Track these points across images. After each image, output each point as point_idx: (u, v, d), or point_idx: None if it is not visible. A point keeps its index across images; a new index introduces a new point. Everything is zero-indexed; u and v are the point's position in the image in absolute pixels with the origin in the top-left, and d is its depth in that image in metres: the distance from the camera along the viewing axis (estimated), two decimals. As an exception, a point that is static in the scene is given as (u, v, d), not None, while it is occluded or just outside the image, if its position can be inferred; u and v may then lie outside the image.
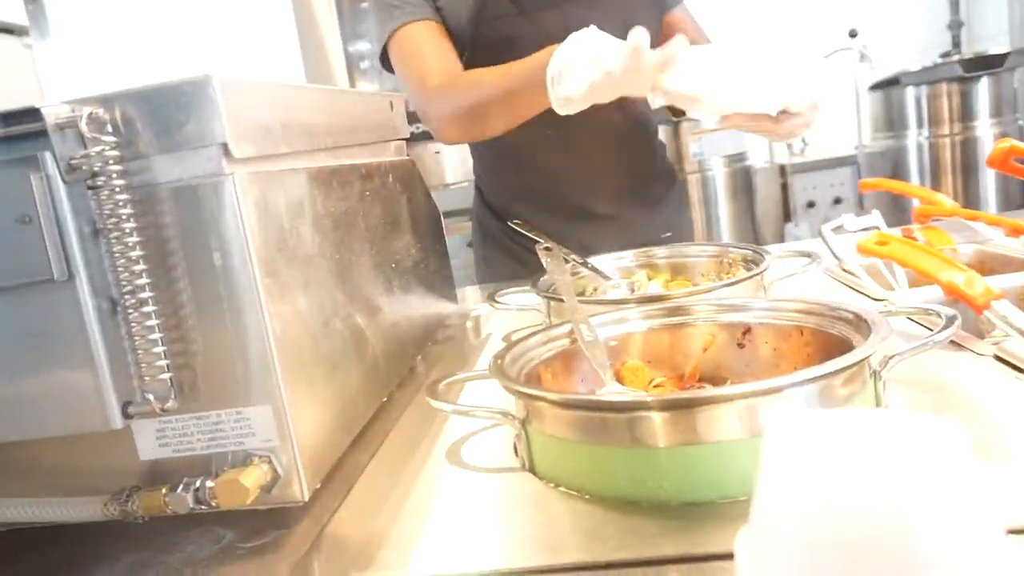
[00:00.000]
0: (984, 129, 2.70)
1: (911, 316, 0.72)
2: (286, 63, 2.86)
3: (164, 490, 0.49)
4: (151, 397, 0.48)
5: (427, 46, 1.11)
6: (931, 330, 0.55)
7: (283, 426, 0.50)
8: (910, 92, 2.80)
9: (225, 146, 0.47)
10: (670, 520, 0.46)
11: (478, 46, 1.13)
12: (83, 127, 0.45)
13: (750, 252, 0.91)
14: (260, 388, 0.50)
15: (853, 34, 2.98)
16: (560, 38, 0.94)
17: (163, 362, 0.48)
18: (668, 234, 1.27)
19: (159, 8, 3.25)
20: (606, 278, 0.97)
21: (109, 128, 0.46)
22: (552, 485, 0.52)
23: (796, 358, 0.61)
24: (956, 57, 2.77)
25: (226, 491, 0.48)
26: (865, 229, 1.05)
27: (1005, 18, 3.24)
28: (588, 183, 1.22)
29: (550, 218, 1.19)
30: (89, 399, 0.47)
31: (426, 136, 1.81)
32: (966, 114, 2.71)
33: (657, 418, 0.48)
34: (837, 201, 2.98)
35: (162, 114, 0.46)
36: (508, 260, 1.26)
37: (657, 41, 0.83)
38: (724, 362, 0.67)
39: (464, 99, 1.03)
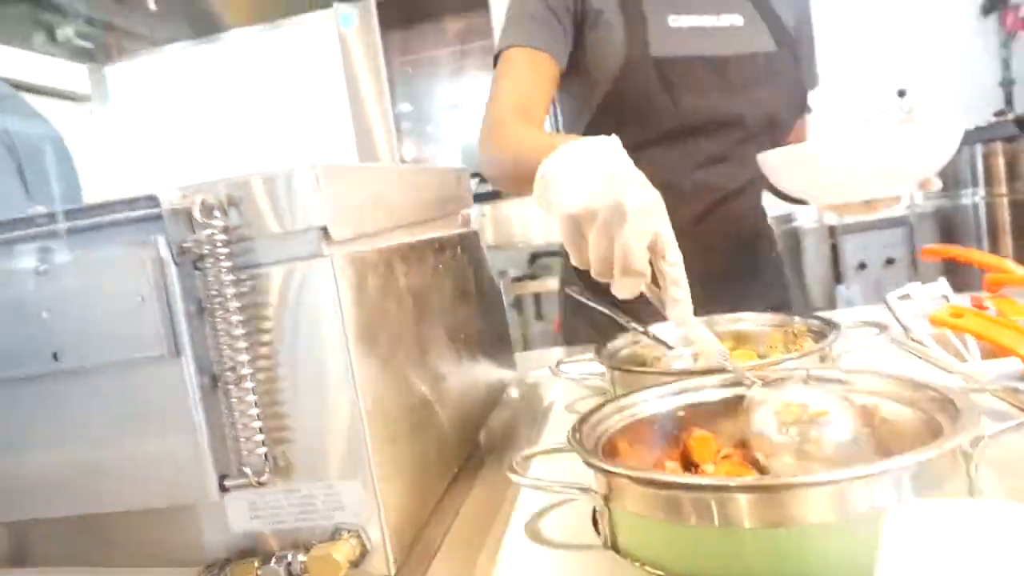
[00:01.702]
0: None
1: (995, 393, 0.71)
2: (337, 124, 2.98)
3: (256, 563, 0.51)
4: (248, 471, 0.49)
5: (518, 78, 1.06)
6: (1015, 406, 0.54)
7: (372, 500, 0.51)
8: (964, 151, 2.78)
9: (325, 229, 0.49)
10: (763, 607, 0.45)
11: (614, 102, 1.11)
12: (196, 213, 0.48)
13: (816, 322, 0.90)
14: (351, 463, 0.51)
15: (902, 93, 2.98)
16: (701, 124, 0.95)
17: (260, 436, 0.50)
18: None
19: (213, 74, 3.41)
20: (668, 347, 0.97)
21: (217, 213, 0.49)
22: (636, 564, 0.52)
23: (873, 437, 0.60)
24: (1011, 115, 2.74)
25: (318, 566, 0.49)
26: (933, 298, 1.04)
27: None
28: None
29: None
30: (189, 472, 0.49)
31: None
32: (1022, 173, 2.67)
33: (744, 499, 0.47)
34: (889, 262, 2.93)
35: (267, 199, 0.49)
36: (589, 329, 1.26)
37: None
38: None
39: (495, 151, 0.97)
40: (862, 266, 2.95)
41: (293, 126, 3.14)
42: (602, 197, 0.62)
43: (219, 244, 0.48)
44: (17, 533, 0.54)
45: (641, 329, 0.98)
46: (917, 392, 0.58)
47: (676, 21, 1.10)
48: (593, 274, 0.66)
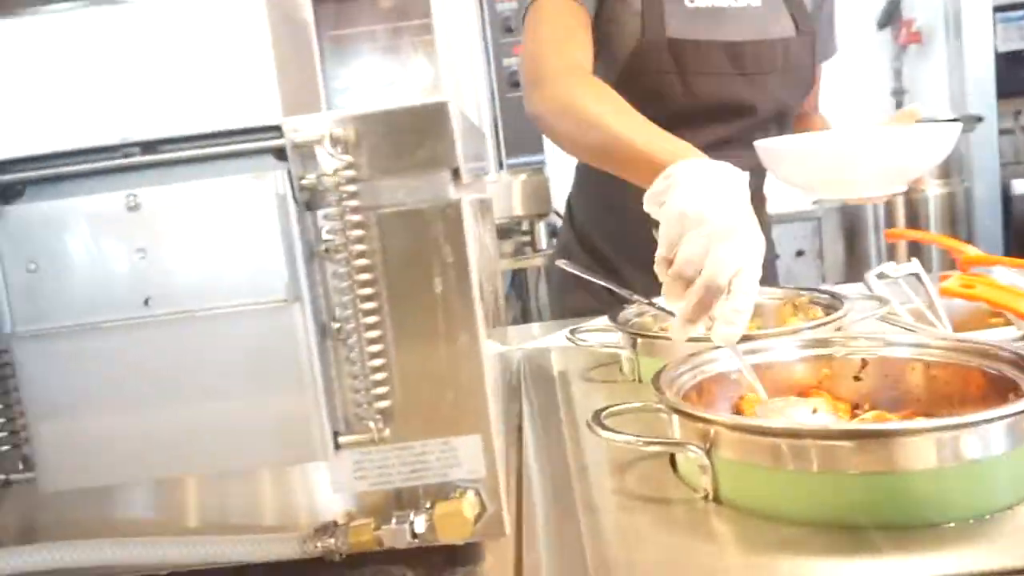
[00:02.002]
0: (932, 189, 2.89)
1: None
2: (261, 97, 2.84)
3: (373, 524, 0.47)
4: (372, 425, 0.46)
5: (562, 28, 1.05)
6: None
7: (490, 456, 0.49)
8: (865, 153, 2.98)
9: (456, 171, 0.47)
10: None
11: (628, 79, 1.10)
12: (327, 146, 0.44)
13: (823, 296, 0.94)
14: (471, 417, 0.49)
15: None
16: (711, 108, 0.96)
17: (381, 390, 0.47)
18: None
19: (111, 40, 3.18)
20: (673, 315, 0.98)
21: (341, 149, 0.45)
22: (743, 512, 0.53)
23: (946, 393, 0.63)
24: (910, 121, 2.96)
25: (447, 524, 0.46)
26: (905, 275, 1.10)
27: (940, 87, 3.50)
28: None
29: (633, 268, 1.20)
30: (302, 429, 0.46)
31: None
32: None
33: (854, 445, 0.49)
34: (799, 253, 3.11)
35: (396, 136, 0.46)
36: (584, 294, 1.26)
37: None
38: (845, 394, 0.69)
39: (569, 125, 0.97)
40: (776, 257, 3.12)
41: (209, 97, 2.97)
42: (721, 213, 0.65)
43: (344, 182, 0.45)
44: (96, 497, 0.48)
45: (646, 301, 0.99)
46: (986, 351, 0.61)
47: (694, 2, 1.10)
48: (669, 272, 0.68)
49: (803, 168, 1.01)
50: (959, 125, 0.94)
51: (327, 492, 0.49)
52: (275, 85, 2.52)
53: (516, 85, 2.63)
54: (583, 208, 1.33)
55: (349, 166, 0.45)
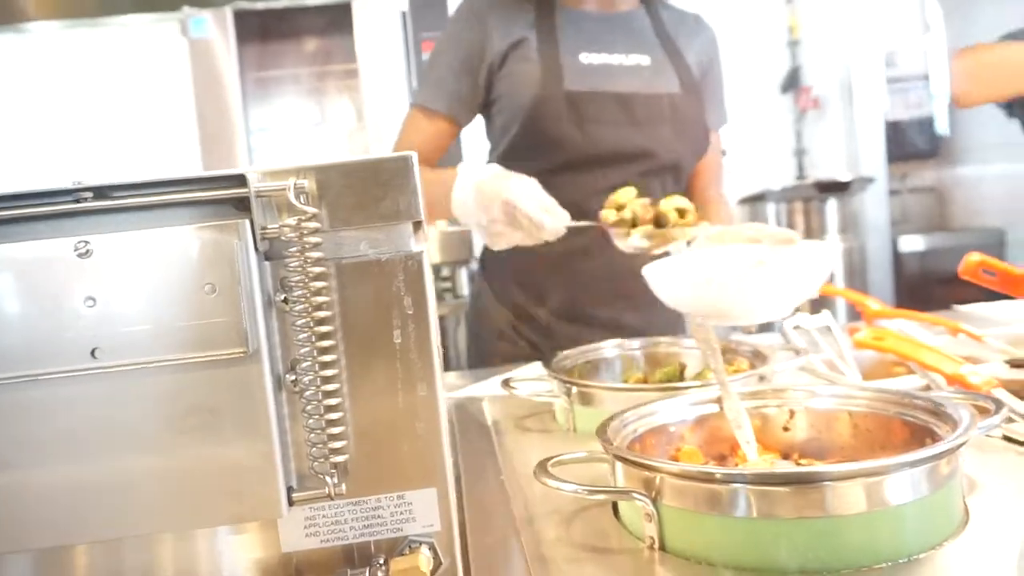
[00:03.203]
0: (834, 243, 3.08)
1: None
2: (177, 134, 2.77)
3: (326, 583, 0.46)
4: (328, 480, 0.45)
5: (417, 135, 1.22)
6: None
7: (446, 509, 0.49)
8: (771, 208, 3.16)
9: (419, 223, 0.47)
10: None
11: (529, 127, 1.20)
12: (291, 197, 0.44)
13: (744, 346, 0.98)
14: (426, 470, 0.48)
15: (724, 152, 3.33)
16: (608, 154, 1.01)
17: (338, 444, 0.46)
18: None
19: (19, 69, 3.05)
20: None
21: (304, 200, 0.45)
22: (691, 561, 0.54)
23: (869, 440, 0.67)
24: (810, 180, 3.17)
25: (404, 580, 0.46)
26: (818, 327, 1.17)
27: (837, 149, 3.75)
28: (590, 287, 1.27)
29: (548, 314, 1.24)
30: (260, 484, 0.44)
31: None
32: (819, 229, 3.08)
33: (790, 491, 0.52)
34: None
35: (360, 188, 0.46)
36: (505, 344, 1.27)
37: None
38: (774, 445, 0.72)
39: None
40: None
41: (121, 134, 2.86)
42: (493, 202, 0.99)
43: (306, 232, 0.45)
44: (29, 561, 0.45)
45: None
46: (903, 401, 0.65)
47: (588, 59, 1.20)
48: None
49: (688, 299, 1.04)
50: (838, 245, 1.00)
51: (268, 551, 0.48)
52: (194, 123, 2.46)
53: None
54: (495, 259, 1.36)
55: (312, 217, 0.45)
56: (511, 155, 1.23)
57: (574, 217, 1.04)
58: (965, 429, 0.56)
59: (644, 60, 1.24)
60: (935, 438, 0.59)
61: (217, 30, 2.50)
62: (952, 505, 0.56)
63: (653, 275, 1.03)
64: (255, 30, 2.59)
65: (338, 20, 2.57)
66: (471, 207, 1.02)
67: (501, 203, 0.98)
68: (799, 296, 0.98)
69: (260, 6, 2.57)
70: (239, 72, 2.51)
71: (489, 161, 1.30)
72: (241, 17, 2.54)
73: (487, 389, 1.09)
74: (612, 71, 1.22)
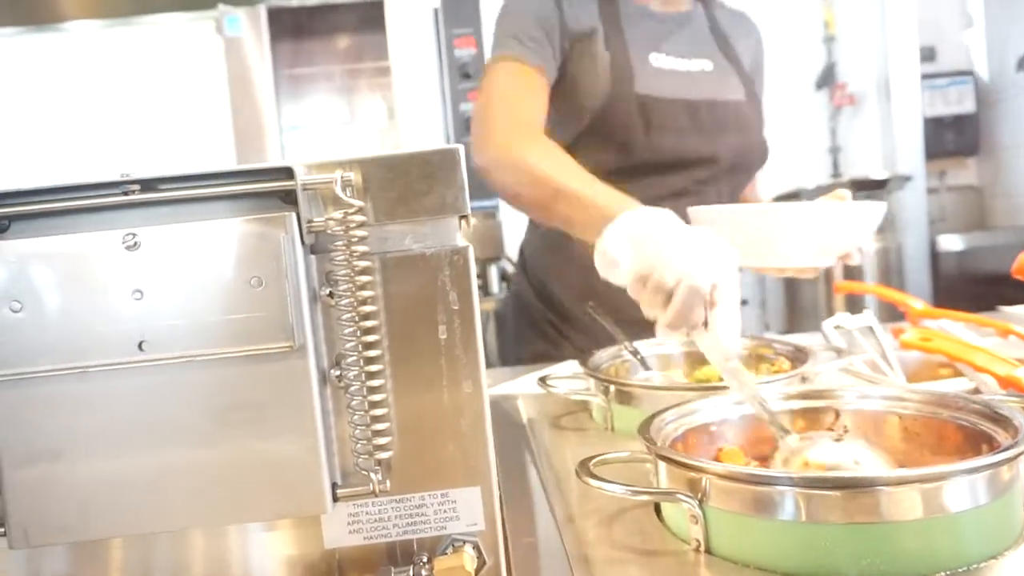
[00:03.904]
0: (868, 243, 3.02)
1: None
2: (213, 132, 2.80)
3: (371, 580, 0.46)
4: (372, 476, 0.45)
5: (516, 92, 1.08)
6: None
7: (490, 508, 0.48)
8: (805, 206, 3.10)
9: (465, 217, 0.47)
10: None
11: (594, 131, 1.15)
12: (337, 190, 0.43)
13: (786, 347, 0.96)
14: (471, 468, 0.48)
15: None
16: (671, 160, 1.00)
17: (383, 440, 0.45)
18: None
19: (55, 68, 3.10)
20: (646, 367, 0.99)
21: (350, 193, 0.45)
22: (738, 565, 0.53)
23: (918, 445, 0.65)
24: (847, 178, 3.11)
25: (448, 580, 0.45)
26: (859, 327, 1.14)
27: (873, 147, 3.69)
28: None
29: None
30: (305, 479, 0.44)
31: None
32: (854, 228, 3.02)
33: (841, 495, 0.50)
34: (743, 303, 3.20)
35: (406, 181, 0.46)
36: (540, 341, 1.27)
37: None
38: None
39: (518, 185, 1.01)
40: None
41: (157, 130, 2.90)
42: (688, 232, 0.73)
43: (353, 226, 0.44)
44: (70, 554, 0.45)
45: (630, 347, 1.00)
46: (956, 404, 0.63)
47: (657, 61, 1.17)
48: (648, 284, 0.70)
49: (729, 237, 1.04)
50: (883, 205, 0.99)
51: (311, 547, 0.47)
52: (229, 120, 2.48)
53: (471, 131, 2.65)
54: (537, 256, 1.34)
55: (358, 211, 0.44)
56: (577, 151, 1.20)
57: None
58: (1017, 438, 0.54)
59: (707, 65, 1.22)
60: (992, 443, 0.57)
61: (251, 28, 2.52)
62: (1013, 514, 0.54)
63: (695, 212, 1.03)
64: (288, 27, 2.61)
65: (371, 17, 2.58)
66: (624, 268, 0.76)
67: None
68: (841, 244, 0.98)
69: (294, 3, 2.59)
70: (272, 69, 2.53)
71: None
72: (275, 15, 2.56)
73: (522, 387, 1.09)
74: (679, 76, 1.19)
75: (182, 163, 2.76)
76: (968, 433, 0.61)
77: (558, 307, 1.29)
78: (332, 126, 2.79)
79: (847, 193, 1.05)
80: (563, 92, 1.15)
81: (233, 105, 2.54)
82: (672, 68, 1.18)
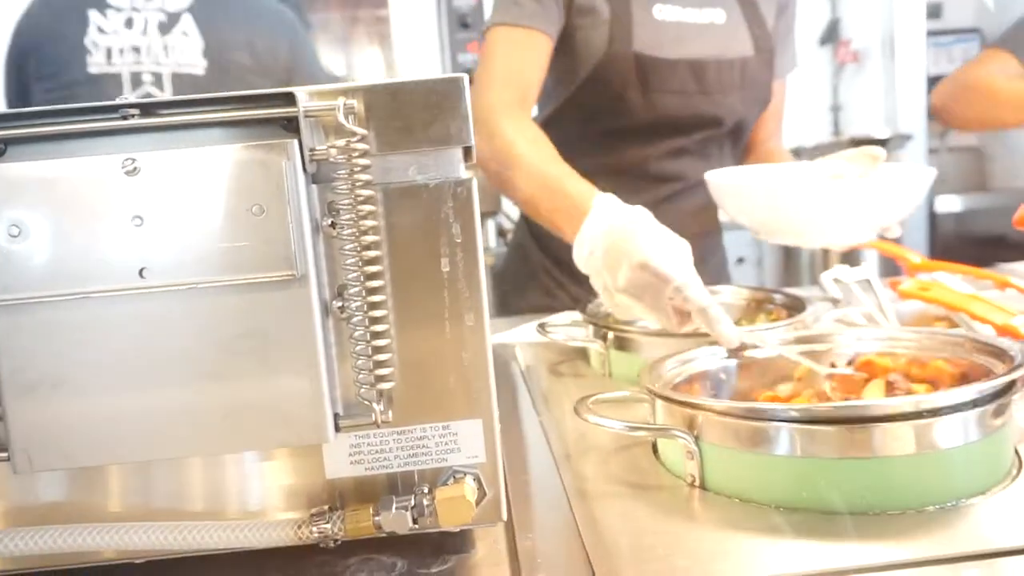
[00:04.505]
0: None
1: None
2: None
3: (372, 509, 0.46)
4: (375, 408, 0.45)
5: (510, 57, 1.06)
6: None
7: (491, 441, 0.48)
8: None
9: (468, 149, 0.46)
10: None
11: (589, 89, 1.12)
12: (340, 117, 0.43)
13: (784, 297, 0.97)
14: (472, 401, 0.48)
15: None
16: (670, 121, 1.00)
17: (384, 371, 0.45)
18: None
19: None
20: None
21: (352, 121, 0.44)
22: (732, 499, 0.54)
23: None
24: (847, 137, 3.08)
25: (449, 509, 0.46)
26: (858, 279, 1.15)
27: (875, 105, 3.65)
28: None
29: None
30: (307, 409, 0.44)
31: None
32: (853, 187, 3.01)
33: (834, 431, 0.51)
34: (740, 260, 3.20)
35: (409, 110, 0.45)
36: (538, 292, 1.26)
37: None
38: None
39: (501, 168, 0.99)
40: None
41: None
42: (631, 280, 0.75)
43: (356, 154, 0.43)
44: (74, 479, 0.46)
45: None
46: (957, 342, 0.64)
47: (661, 12, 1.11)
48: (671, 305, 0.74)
49: (756, 208, 0.97)
50: (932, 171, 0.91)
51: (313, 477, 0.48)
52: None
53: (470, 81, 2.61)
54: None
55: (361, 139, 0.44)
56: (566, 111, 1.16)
57: (625, 182, 0.98)
58: (1017, 367, 0.54)
59: (719, 16, 1.15)
60: (989, 376, 0.58)
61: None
62: (1003, 452, 0.55)
63: (718, 182, 0.98)
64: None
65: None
66: (597, 265, 0.80)
67: (634, 268, 0.74)
68: (881, 218, 0.91)
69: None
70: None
71: (539, 115, 1.21)
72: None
73: (520, 336, 1.09)
74: (685, 30, 1.13)
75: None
76: (966, 368, 0.62)
77: (559, 258, 1.29)
78: (331, 77, 2.75)
79: (881, 152, 0.96)
80: (562, 48, 1.11)
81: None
82: (678, 20, 1.12)
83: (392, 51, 2.58)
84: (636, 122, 1.14)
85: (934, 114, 1.72)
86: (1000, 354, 0.58)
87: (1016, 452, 0.57)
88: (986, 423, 0.53)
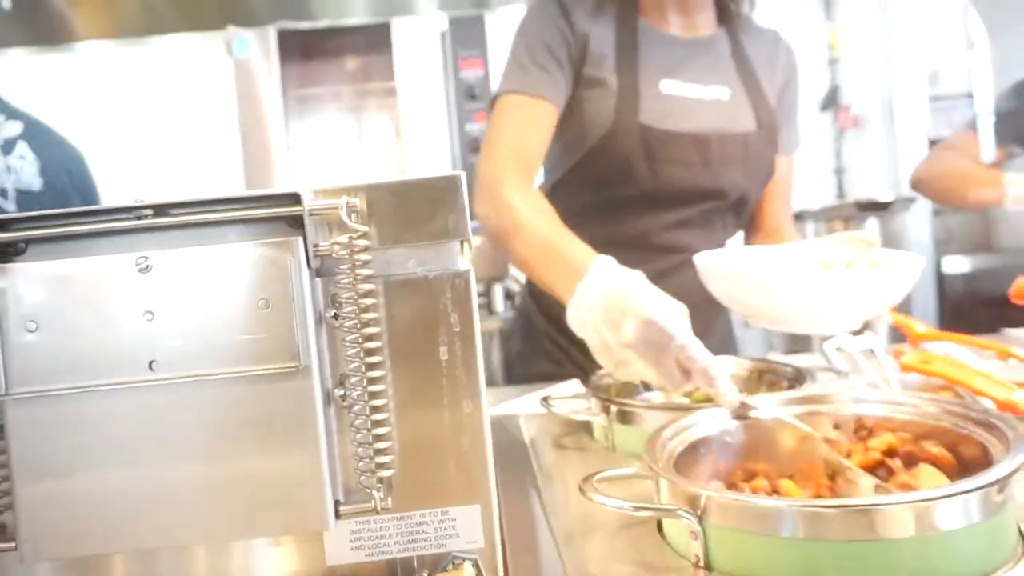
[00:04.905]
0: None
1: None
2: (221, 152, 2.83)
3: (372, 596, 0.47)
4: (374, 494, 0.46)
5: (517, 126, 1.09)
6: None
7: (490, 526, 0.49)
8: (809, 228, 3.11)
9: (466, 242, 0.48)
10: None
11: (595, 159, 1.14)
12: (343, 215, 0.45)
13: (788, 368, 0.97)
14: (471, 486, 0.49)
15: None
16: (674, 192, 1.03)
17: (385, 458, 0.46)
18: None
19: (70, 86, 3.14)
20: (647, 388, 1.00)
21: (355, 218, 0.46)
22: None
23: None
24: (851, 199, 3.12)
25: (448, 596, 0.46)
26: (861, 349, 1.15)
27: (878, 168, 3.70)
28: None
29: None
30: (308, 497, 0.45)
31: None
32: (859, 249, 3.03)
33: (837, 513, 0.51)
34: (747, 324, 3.20)
35: (410, 207, 0.47)
36: (545, 361, 1.27)
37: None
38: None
39: (503, 232, 1.02)
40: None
41: (167, 149, 2.94)
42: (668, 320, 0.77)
43: (358, 250, 0.45)
44: (81, 568, 0.46)
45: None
46: (956, 412, 0.64)
47: (668, 87, 1.15)
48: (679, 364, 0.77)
49: (745, 296, 0.95)
50: (921, 260, 0.90)
51: (313, 564, 0.48)
52: (238, 139, 2.52)
53: (477, 150, 2.69)
54: None
55: (363, 235, 0.46)
56: (572, 179, 1.19)
57: (630, 252, 0.96)
58: (1020, 453, 0.54)
59: (723, 93, 1.19)
60: (987, 455, 0.58)
61: (260, 49, 2.56)
62: (1006, 533, 0.55)
63: (706, 265, 0.98)
64: (297, 49, 2.65)
65: (378, 39, 2.62)
66: (596, 321, 0.82)
67: (641, 323, 0.77)
68: (870, 308, 0.90)
69: (303, 25, 2.64)
70: (281, 90, 2.57)
71: (545, 182, 1.24)
72: (284, 36, 2.60)
73: (524, 406, 1.09)
74: (690, 106, 1.16)
75: (192, 182, 2.80)
76: (963, 445, 0.62)
77: (563, 326, 1.30)
78: (340, 145, 2.83)
79: (875, 239, 0.98)
80: (570, 117, 1.14)
81: (242, 125, 2.58)
82: (684, 96, 1.16)
83: (400, 121, 2.66)
84: (640, 192, 1.16)
85: (914, 189, 1.79)
86: (994, 429, 0.59)
87: (1020, 531, 0.57)
88: (988, 502, 0.53)
